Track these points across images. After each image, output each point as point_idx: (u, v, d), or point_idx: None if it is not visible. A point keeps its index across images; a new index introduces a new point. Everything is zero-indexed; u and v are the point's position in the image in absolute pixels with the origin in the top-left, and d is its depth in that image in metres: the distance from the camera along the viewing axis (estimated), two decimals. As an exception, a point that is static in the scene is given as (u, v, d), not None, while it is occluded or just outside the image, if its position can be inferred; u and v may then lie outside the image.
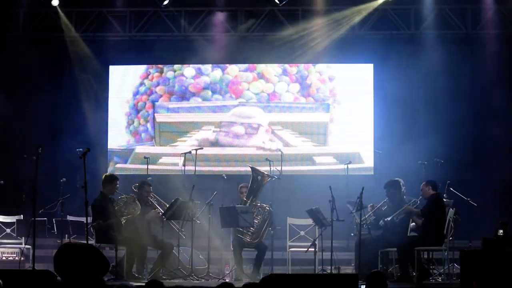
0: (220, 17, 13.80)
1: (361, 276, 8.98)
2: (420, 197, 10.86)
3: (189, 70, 14.10)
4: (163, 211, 11.16)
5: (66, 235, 11.85)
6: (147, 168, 12.69)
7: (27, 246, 11.57)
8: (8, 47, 13.83)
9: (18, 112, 13.94)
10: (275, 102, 14.01)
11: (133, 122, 14.18)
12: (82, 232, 11.24)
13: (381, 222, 10.85)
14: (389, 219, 10.76)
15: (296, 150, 13.91)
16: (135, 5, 13.87)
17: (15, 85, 13.88)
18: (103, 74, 14.07)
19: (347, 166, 12.55)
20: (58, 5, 13.57)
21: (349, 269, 11.81)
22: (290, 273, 11.27)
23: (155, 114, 14.10)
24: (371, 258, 10.68)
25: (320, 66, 14.00)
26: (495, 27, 13.44)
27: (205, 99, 14.08)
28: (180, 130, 14.08)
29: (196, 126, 14.03)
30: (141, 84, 14.20)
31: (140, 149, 14.06)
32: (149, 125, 14.13)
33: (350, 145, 13.79)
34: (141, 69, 14.22)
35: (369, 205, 10.92)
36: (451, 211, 10.72)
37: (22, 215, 12.33)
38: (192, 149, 12.34)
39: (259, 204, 11.24)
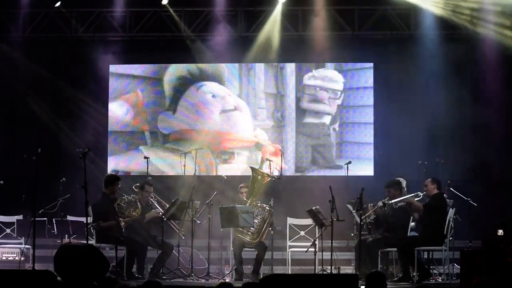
0: (220, 17, 13.78)
1: (361, 276, 8.98)
2: (424, 192, 10.82)
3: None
4: (163, 211, 11.17)
5: (66, 235, 11.85)
6: (147, 168, 12.68)
7: (27, 246, 11.57)
8: (8, 47, 13.82)
9: (18, 112, 13.93)
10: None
11: (134, 122, 14.20)
12: (82, 232, 11.24)
13: (380, 202, 10.81)
14: (389, 202, 10.74)
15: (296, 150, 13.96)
16: (135, 5, 13.85)
17: (15, 85, 13.85)
18: (103, 74, 14.06)
19: (347, 166, 12.55)
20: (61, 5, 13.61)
21: (349, 269, 11.81)
22: (290, 273, 11.27)
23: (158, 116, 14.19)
24: (371, 258, 10.68)
25: (320, 66, 14.01)
26: (495, 27, 13.44)
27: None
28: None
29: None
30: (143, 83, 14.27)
31: (141, 149, 14.08)
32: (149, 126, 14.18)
33: (350, 144, 13.80)
34: (141, 68, 14.27)
35: (369, 205, 10.91)
36: (451, 211, 10.72)
37: (22, 215, 12.32)
38: (192, 149, 12.34)
39: (259, 204, 11.24)
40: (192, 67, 14.16)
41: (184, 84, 14.16)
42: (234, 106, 14.04)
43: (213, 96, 14.11)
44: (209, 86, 14.11)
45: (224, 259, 11.96)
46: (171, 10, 13.70)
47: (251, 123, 14.00)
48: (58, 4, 13.53)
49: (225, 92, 14.08)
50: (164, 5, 13.62)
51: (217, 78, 14.11)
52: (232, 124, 14.05)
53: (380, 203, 10.79)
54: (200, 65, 14.12)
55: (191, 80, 14.17)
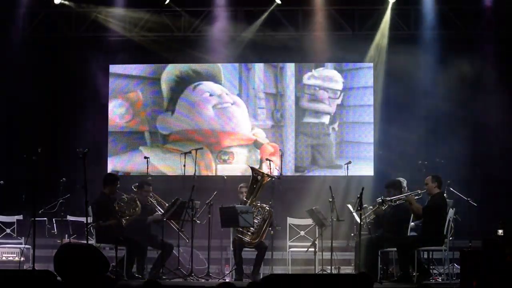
0: (220, 17, 13.78)
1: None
2: (424, 190, 10.81)
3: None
4: (163, 211, 11.17)
5: (66, 235, 11.85)
6: (147, 168, 12.68)
7: (27, 246, 11.57)
8: (8, 47, 13.81)
9: (18, 112, 13.92)
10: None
11: (134, 123, 14.19)
12: (82, 232, 11.24)
13: (379, 199, 10.81)
14: (388, 199, 10.74)
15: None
16: (134, 5, 13.85)
17: (15, 85, 13.85)
18: (102, 74, 14.06)
19: (347, 166, 12.55)
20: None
21: (349, 269, 11.81)
22: (290, 273, 11.27)
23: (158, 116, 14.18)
24: (371, 258, 10.67)
25: (320, 66, 14.02)
26: (494, 27, 13.44)
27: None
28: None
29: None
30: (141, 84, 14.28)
31: (141, 149, 14.08)
32: (149, 126, 14.18)
33: (349, 144, 13.81)
34: (140, 68, 14.28)
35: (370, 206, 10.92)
36: (451, 211, 10.72)
37: (22, 215, 12.32)
38: (192, 149, 12.34)
39: (259, 204, 11.24)
40: (190, 67, 14.16)
41: (181, 84, 14.16)
42: (231, 102, 14.04)
43: (211, 94, 14.11)
44: (206, 85, 14.11)
45: (224, 259, 11.96)
46: (176, 8, 13.69)
47: (249, 121, 14.00)
48: (58, 1, 13.51)
49: (222, 90, 14.07)
50: (164, 5, 13.61)
51: (214, 78, 14.11)
52: (230, 120, 14.03)
53: (379, 199, 10.79)
54: (198, 64, 14.13)
55: (188, 80, 14.17)
